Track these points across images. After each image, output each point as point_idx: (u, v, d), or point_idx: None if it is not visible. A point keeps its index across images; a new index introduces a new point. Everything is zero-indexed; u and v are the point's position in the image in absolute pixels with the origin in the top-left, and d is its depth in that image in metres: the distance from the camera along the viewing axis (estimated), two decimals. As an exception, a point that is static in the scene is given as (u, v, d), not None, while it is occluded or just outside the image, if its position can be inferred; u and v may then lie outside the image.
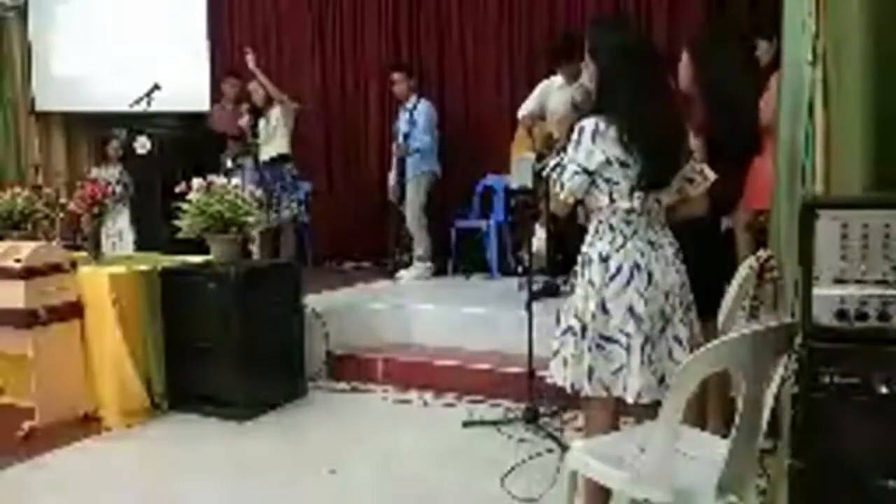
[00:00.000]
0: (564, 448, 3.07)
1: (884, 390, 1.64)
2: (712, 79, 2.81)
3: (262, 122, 6.06)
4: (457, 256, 6.06)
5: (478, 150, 6.06)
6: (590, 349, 2.26)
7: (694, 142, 2.80)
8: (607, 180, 2.24)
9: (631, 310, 2.23)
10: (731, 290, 2.21)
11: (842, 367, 1.67)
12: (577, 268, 2.37)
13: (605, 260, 2.27)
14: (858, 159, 1.88)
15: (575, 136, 2.25)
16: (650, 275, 2.25)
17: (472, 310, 4.68)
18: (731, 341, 1.77)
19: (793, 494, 1.75)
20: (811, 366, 1.70)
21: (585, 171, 2.23)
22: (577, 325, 2.30)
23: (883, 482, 1.64)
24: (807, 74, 2.02)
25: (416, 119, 5.78)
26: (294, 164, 6.13)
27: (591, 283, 2.28)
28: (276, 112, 6.02)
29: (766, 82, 3.64)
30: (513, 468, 3.12)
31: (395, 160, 5.98)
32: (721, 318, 2.19)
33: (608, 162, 2.21)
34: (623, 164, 2.22)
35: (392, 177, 5.99)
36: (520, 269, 5.29)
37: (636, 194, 2.23)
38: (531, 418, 3.59)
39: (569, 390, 2.34)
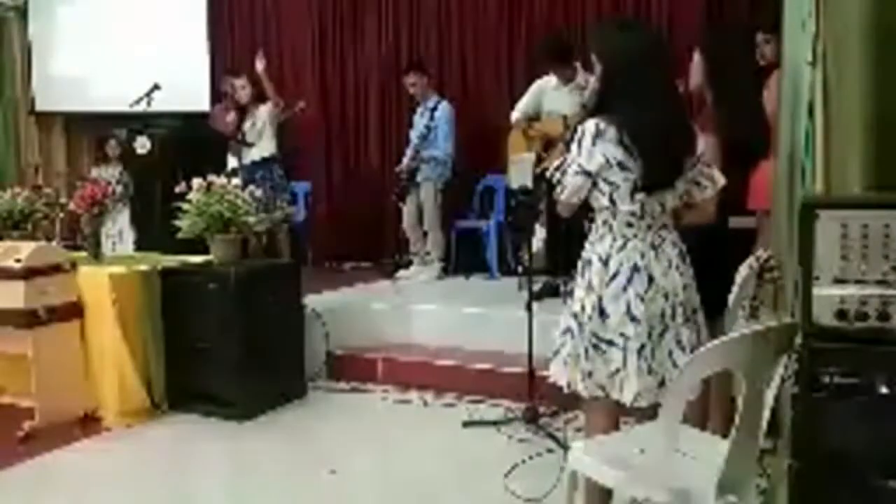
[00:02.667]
0: (564, 448, 3.07)
1: (884, 390, 1.64)
2: (730, 79, 2.80)
3: (247, 123, 5.99)
4: (457, 256, 6.06)
5: (478, 150, 6.05)
6: (586, 350, 2.26)
7: (708, 140, 2.79)
8: (607, 182, 2.23)
9: (629, 312, 2.22)
10: (732, 291, 2.21)
11: (842, 367, 1.67)
12: (578, 269, 2.36)
13: (604, 261, 2.26)
14: (858, 159, 1.88)
15: (577, 137, 2.25)
16: (650, 277, 2.23)
17: (472, 310, 4.68)
18: (731, 341, 1.77)
19: (793, 494, 1.75)
20: (811, 366, 1.69)
21: (586, 172, 2.22)
22: (574, 327, 2.30)
23: (883, 482, 1.64)
24: (807, 74, 2.02)
25: (436, 121, 5.71)
26: (281, 164, 6.09)
27: (590, 284, 2.28)
28: (262, 113, 5.98)
29: (767, 81, 3.64)
30: (513, 468, 3.12)
31: (408, 152, 5.87)
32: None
33: (608, 163, 2.20)
34: (622, 167, 2.20)
35: (402, 166, 5.88)
36: (520, 269, 5.28)
37: (637, 196, 2.22)
38: (531, 418, 3.59)
39: (566, 390, 2.35)
